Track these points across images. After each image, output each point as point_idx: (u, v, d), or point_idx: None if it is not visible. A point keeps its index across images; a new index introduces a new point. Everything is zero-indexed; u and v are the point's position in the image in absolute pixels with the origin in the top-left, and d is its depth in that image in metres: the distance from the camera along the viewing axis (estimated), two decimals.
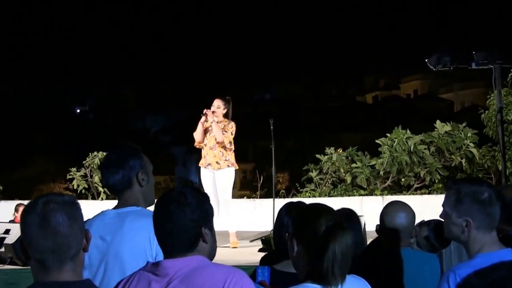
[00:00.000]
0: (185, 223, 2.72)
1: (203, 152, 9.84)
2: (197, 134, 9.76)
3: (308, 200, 10.57)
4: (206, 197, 2.86)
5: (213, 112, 9.66)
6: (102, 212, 3.60)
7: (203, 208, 2.79)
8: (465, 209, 3.12)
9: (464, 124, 12.97)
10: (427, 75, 75.76)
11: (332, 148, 13.69)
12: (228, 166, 9.74)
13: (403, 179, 13.03)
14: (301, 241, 2.83)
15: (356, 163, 13.19)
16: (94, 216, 3.60)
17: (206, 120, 9.74)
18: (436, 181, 12.72)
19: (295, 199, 10.20)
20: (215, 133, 9.64)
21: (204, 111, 9.68)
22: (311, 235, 2.79)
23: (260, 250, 8.83)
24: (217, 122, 9.66)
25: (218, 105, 9.72)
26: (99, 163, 13.79)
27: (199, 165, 9.93)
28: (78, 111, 79.92)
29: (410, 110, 65.60)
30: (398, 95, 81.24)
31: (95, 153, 14.05)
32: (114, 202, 3.65)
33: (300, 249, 2.83)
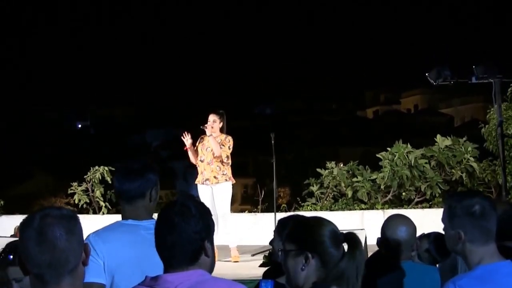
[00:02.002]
0: (189, 235, 2.71)
1: (200, 169, 9.91)
2: (192, 159, 9.96)
3: (309, 214, 10.55)
4: (208, 211, 2.85)
5: (211, 127, 9.77)
6: (121, 222, 3.66)
7: (206, 221, 2.78)
8: (457, 222, 3.15)
9: (464, 138, 12.96)
10: (427, 90, 75.93)
11: (333, 162, 13.67)
12: (226, 180, 9.82)
13: (404, 193, 13.00)
14: (317, 254, 2.82)
15: (357, 177, 13.18)
16: (114, 226, 3.65)
17: (196, 143, 9.97)
18: (437, 195, 12.70)
19: (296, 213, 10.21)
20: (212, 147, 9.72)
21: (207, 124, 9.78)
22: (328, 246, 2.81)
23: (261, 265, 8.82)
24: (215, 137, 9.76)
25: (214, 119, 9.84)
26: (101, 177, 13.83)
27: (195, 182, 10.01)
28: (80, 126, 79.99)
29: (410, 124, 65.63)
30: (398, 110, 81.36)
31: (96, 167, 14.04)
32: (116, 217, 3.66)
33: (315, 262, 2.82)
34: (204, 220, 2.77)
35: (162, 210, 2.82)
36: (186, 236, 2.70)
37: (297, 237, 2.91)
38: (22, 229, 2.35)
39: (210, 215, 2.84)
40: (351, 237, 2.82)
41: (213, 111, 9.98)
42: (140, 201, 3.64)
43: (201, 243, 2.73)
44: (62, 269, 2.32)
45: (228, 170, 9.84)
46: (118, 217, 3.71)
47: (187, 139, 9.81)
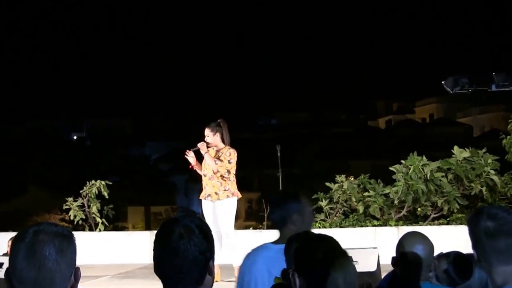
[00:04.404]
0: (195, 256, 2.69)
1: (203, 184, 9.97)
2: (201, 173, 10.06)
3: (318, 232, 10.51)
4: (209, 229, 2.84)
5: (207, 143, 9.87)
6: (265, 245, 4.38)
7: (209, 240, 2.77)
8: (473, 241, 3.09)
9: (484, 150, 12.86)
10: (443, 98, 75.80)
11: (343, 176, 13.57)
12: (228, 196, 9.83)
13: (419, 209, 12.93)
14: (301, 274, 2.83)
15: (368, 192, 13.10)
16: (258, 249, 4.39)
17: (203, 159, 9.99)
18: (455, 210, 12.63)
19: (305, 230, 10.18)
20: (208, 164, 9.78)
21: (199, 143, 9.89)
22: (310, 266, 2.79)
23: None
24: (217, 150, 9.88)
25: (207, 134, 9.95)
26: (97, 192, 13.74)
27: (200, 197, 10.04)
28: (75, 138, 79.95)
29: (426, 135, 65.53)
30: (412, 120, 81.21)
31: (93, 181, 13.94)
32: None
33: (302, 283, 2.82)
34: (207, 240, 2.76)
35: (163, 231, 2.78)
36: (193, 257, 2.69)
37: (294, 256, 2.98)
38: (13, 242, 2.37)
39: (211, 232, 2.83)
40: (327, 258, 2.79)
41: (207, 125, 10.05)
42: (284, 228, 4.35)
43: (206, 263, 2.72)
44: None
45: (231, 185, 9.84)
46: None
47: (190, 157, 9.87)
